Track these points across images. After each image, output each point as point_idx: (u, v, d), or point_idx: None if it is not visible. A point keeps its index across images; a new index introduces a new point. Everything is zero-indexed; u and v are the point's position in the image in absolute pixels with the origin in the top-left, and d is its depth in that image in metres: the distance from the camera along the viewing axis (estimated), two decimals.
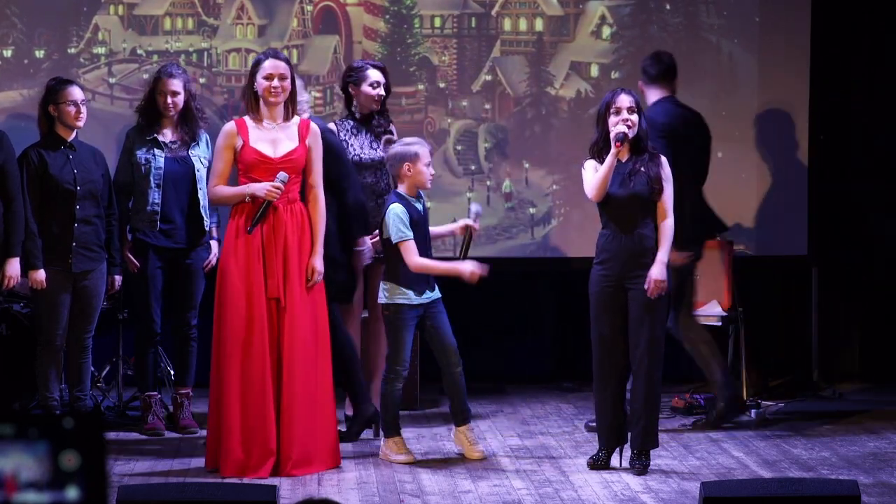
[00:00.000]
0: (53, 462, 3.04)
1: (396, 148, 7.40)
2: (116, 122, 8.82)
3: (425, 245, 7.36)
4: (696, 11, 9.34)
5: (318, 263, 7.07)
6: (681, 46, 9.24)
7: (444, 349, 7.39)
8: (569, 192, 8.77)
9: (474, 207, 7.58)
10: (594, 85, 9.32)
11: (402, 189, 7.35)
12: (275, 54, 7.19)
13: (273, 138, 7.08)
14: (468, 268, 7.27)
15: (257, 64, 7.12)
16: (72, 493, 3.04)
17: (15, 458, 3.02)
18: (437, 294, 7.40)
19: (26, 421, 3.04)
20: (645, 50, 9.16)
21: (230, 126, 7.16)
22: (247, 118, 7.14)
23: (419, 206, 7.36)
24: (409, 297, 7.30)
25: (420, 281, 7.32)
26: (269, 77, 7.06)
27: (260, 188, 6.99)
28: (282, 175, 6.99)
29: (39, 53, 9.03)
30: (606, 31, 9.35)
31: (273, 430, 6.97)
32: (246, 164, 7.05)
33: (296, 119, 7.16)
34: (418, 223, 7.32)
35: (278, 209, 7.02)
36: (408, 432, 7.57)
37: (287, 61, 7.15)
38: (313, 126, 7.18)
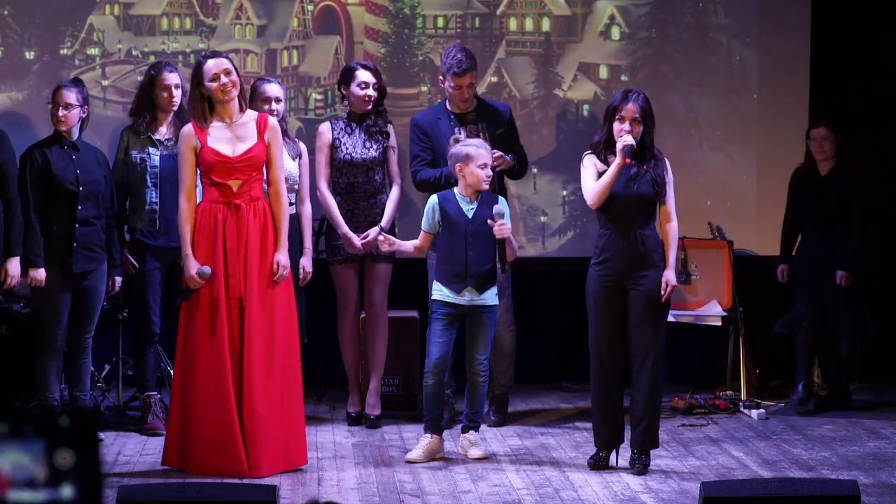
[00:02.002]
0: (48, 460, 3.03)
1: (455, 148, 7.39)
2: (109, 125, 8.77)
3: (462, 244, 7.29)
4: (704, 11, 9.31)
5: (283, 258, 7.02)
6: (689, 47, 9.23)
7: (469, 356, 7.39)
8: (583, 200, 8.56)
9: (496, 208, 7.28)
10: (604, 87, 9.27)
11: (459, 188, 7.36)
12: (213, 54, 7.14)
13: (231, 137, 7.02)
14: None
15: (198, 69, 7.03)
16: (66, 491, 3.03)
17: (10, 455, 3.02)
18: (484, 300, 7.33)
19: (21, 419, 3.04)
20: (657, 50, 9.14)
21: (187, 128, 7.07)
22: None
23: (466, 207, 7.32)
24: (441, 293, 7.31)
25: (454, 280, 7.28)
26: (215, 77, 6.99)
27: (188, 268, 6.95)
28: (206, 270, 6.93)
29: (30, 55, 8.99)
30: (615, 32, 9.31)
31: (236, 429, 6.91)
32: (206, 166, 6.99)
33: (252, 114, 7.12)
34: (456, 223, 7.30)
35: (241, 207, 7.00)
36: (408, 432, 7.56)
37: (227, 57, 7.12)
38: (271, 121, 7.12)
